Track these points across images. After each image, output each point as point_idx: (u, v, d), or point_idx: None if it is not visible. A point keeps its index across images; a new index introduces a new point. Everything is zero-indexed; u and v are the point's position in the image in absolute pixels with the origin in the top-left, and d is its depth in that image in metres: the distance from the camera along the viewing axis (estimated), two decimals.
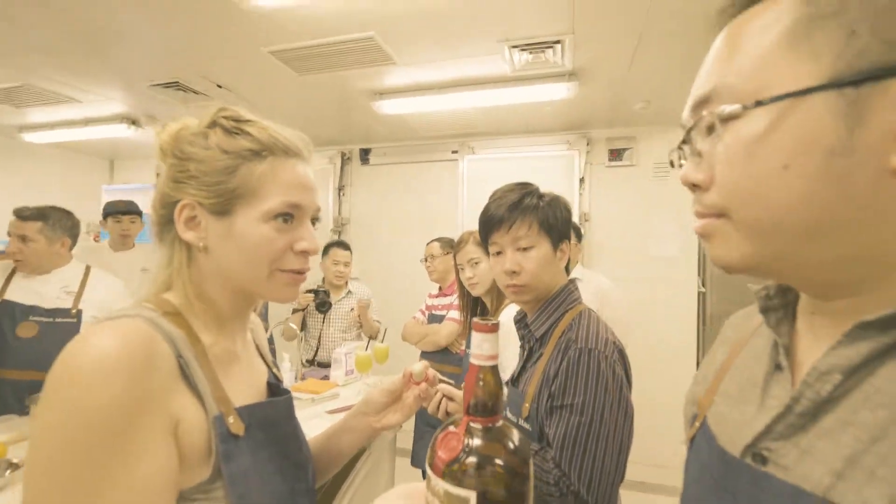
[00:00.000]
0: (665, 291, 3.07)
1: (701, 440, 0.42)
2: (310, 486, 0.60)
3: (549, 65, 2.26)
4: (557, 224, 0.91)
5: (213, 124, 0.54)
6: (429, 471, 0.37)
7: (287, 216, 0.54)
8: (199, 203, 0.52)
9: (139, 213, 2.40)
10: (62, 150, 4.04)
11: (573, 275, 2.05)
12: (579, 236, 2.33)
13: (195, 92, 2.68)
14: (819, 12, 0.29)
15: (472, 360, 0.39)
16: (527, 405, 0.88)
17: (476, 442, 0.36)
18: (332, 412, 1.71)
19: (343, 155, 3.73)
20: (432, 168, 3.56)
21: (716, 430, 0.40)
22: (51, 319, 1.68)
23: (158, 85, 2.60)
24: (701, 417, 0.44)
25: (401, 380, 0.70)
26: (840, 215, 0.30)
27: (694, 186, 0.36)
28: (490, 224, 0.93)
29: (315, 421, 1.59)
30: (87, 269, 1.85)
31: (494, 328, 0.38)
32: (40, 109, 3.05)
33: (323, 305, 2.54)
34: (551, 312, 0.91)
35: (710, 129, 0.34)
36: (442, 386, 0.97)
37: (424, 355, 2.34)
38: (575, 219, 3.05)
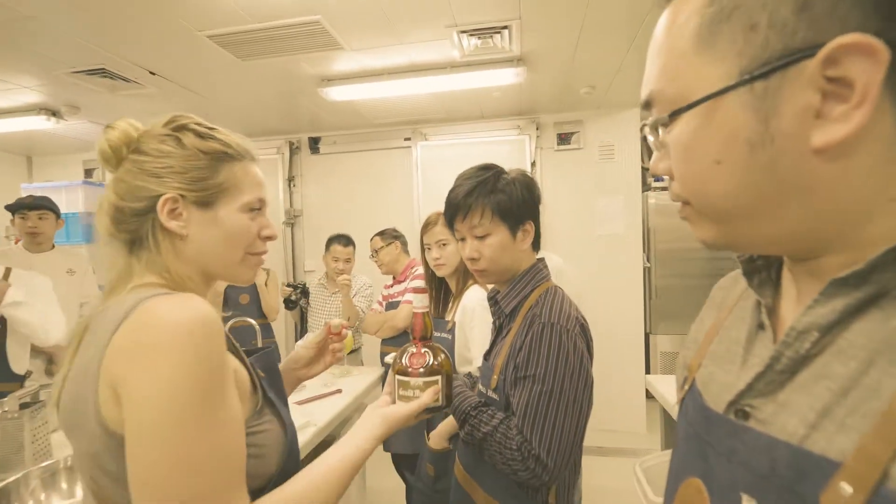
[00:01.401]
0: (613, 267, 3.25)
1: (688, 400, 0.44)
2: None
3: (498, 50, 2.30)
4: (513, 208, 0.92)
5: (182, 128, 0.61)
6: (399, 378, 0.69)
7: (257, 208, 0.65)
8: (181, 195, 0.58)
9: (51, 209, 2.13)
10: None
11: None
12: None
13: (124, 79, 2.49)
14: (720, 11, 0.31)
15: (416, 310, 0.73)
16: (495, 377, 0.92)
17: (430, 351, 0.71)
18: (300, 402, 1.69)
19: (291, 144, 3.61)
20: (385, 156, 3.53)
21: (703, 389, 0.42)
22: None
23: (81, 72, 2.38)
24: (690, 380, 0.45)
25: (323, 331, 0.87)
26: (776, 199, 0.31)
27: (663, 175, 0.39)
28: (450, 212, 0.96)
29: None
30: (7, 270, 1.70)
31: (426, 290, 0.78)
32: None
33: (288, 304, 2.51)
34: (520, 290, 0.95)
35: (659, 126, 0.36)
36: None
37: (386, 342, 2.36)
38: None
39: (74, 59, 2.26)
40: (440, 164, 3.34)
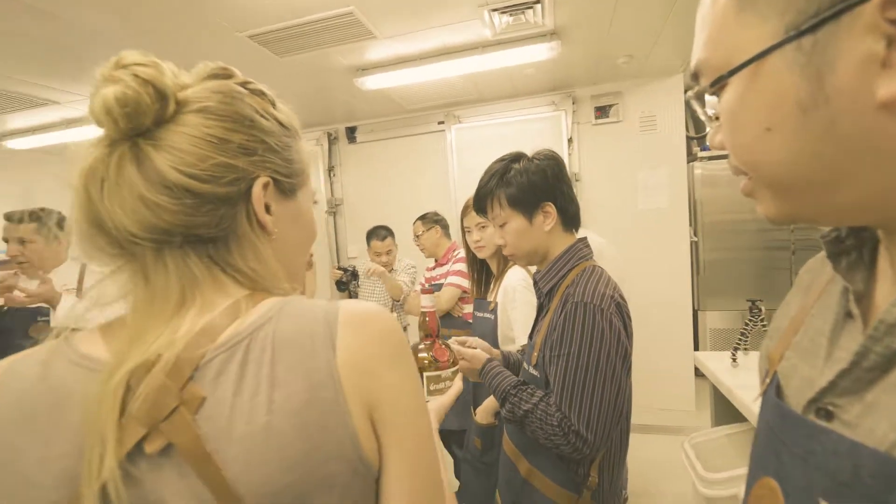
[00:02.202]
0: (658, 243, 3.15)
1: (768, 395, 0.41)
2: None
3: (530, 25, 2.25)
4: (523, 195, 0.96)
5: (247, 86, 0.45)
6: (428, 375, 0.71)
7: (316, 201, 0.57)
8: (274, 180, 0.45)
9: None
10: (47, 154, 3.98)
11: None
12: None
13: None
14: None
15: (427, 309, 0.77)
16: (535, 354, 0.96)
17: (446, 344, 0.76)
18: None
19: (329, 135, 3.71)
20: (420, 140, 3.56)
21: (784, 383, 0.39)
22: None
23: None
24: (771, 373, 0.42)
25: None
26: (841, 164, 0.28)
27: (722, 148, 0.37)
28: (475, 206, 1.05)
29: None
30: (83, 266, 1.88)
31: (431, 290, 0.92)
32: (19, 115, 2.99)
33: (340, 286, 2.63)
34: (557, 271, 0.97)
35: (707, 96, 0.35)
36: (454, 346, 1.06)
37: None
38: None
39: None
40: (475, 146, 3.33)
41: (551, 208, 0.96)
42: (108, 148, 0.38)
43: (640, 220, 3.18)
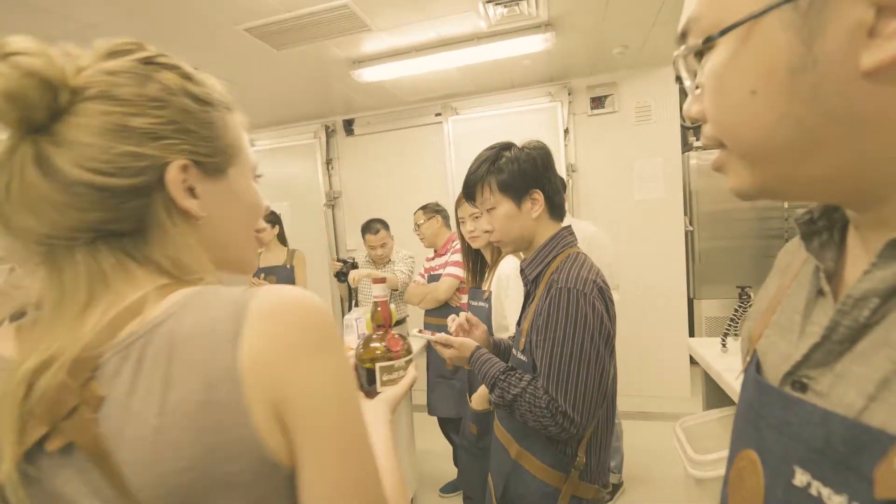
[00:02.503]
0: (654, 232, 3.18)
1: (748, 372, 0.42)
2: None
3: (525, 17, 2.26)
4: (513, 181, 0.99)
5: (151, 62, 0.41)
6: (382, 365, 0.69)
7: (258, 174, 0.53)
8: (194, 161, 0.42)
9: None
10: None
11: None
12: (563, 187, 2.34)
13: None
14: None
15: (379, 300, 0.74)
16: (523, 340, 1.00)
17: (398, 334, 0.72)
18: None
19: (327, 128, 3.72)
20: (418, 132, 3.57)
21: (762, 359, 0.40)
22: None
23: None
24: (751, 351, 0.43)
25: None
26: (820, 132, 0.28)
27: (696, 120, 0.36)
28: (465, 192, 1.07)
29: None
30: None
31: (383, 279, 0.76)
32: None
33: (339, 277, 2.66)
34: (543, 258, 1.00)
35: (695, 61, 0.34)
36: (439, 336, 1.10)
37: (429, 313, 2.47)
38: (561, 170, 3.11)
39: None
40: (472, 137, 3.35)
41: (539, 196, 0.99)
42: (10, 149, 0.36)
43: (636, 210, 3.21)
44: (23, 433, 0.34)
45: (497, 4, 2.13)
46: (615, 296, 1.09)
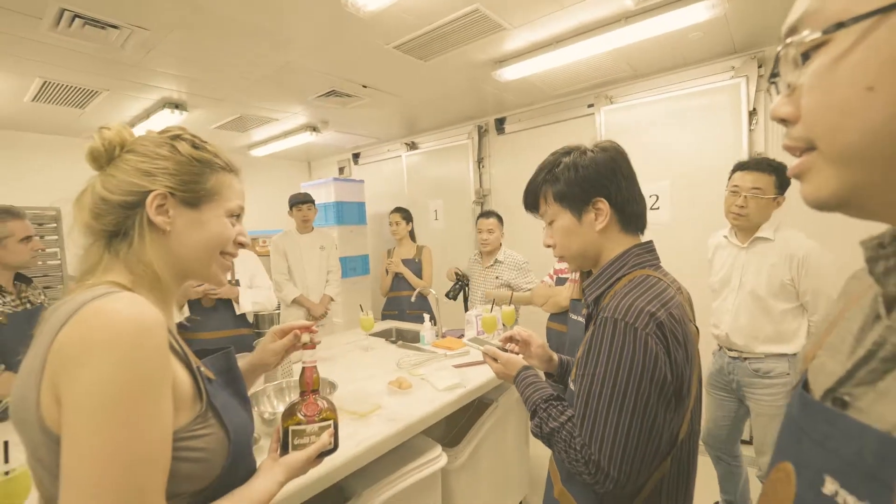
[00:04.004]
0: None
1: (796, 389, 0.42)
2: (251, 413, 0.76)
3: None
4: (571, 191, 0.86)
5: (177, 138, 0.66)
6: (294, 429, 0.72)
7: (237, 214, 0.71)
8: (171, 193, 0.63)
9: (314, 202, 3.02)
10: (276, 159, 5.24)
11: (760, 233, 1.70)
12: (782, 189, 1.68)
13: (347, 95, 3.16)
14: None
15: (305, 365, 0.77)
16: (574, 368, 0.88)
17: (321, 399, 0.75)
18: (457, 366, 1.91)
19: (479, 128, 3.86)
20: (568, 126, 3.40)
21: (811, 378, 0.40)
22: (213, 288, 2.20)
23: (321, 95, 3.15)
24: (803, 371, 0.43)
25: (290, 339, 0.93)
26: None
27: (783, 121, 0.36)
28: (526, 205, 0.99)
29: (443, 372, 1.81)
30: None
31: (313, 345, 0.83)
32: (257, 130, 4.02)
33: (450, 292, 2.84)
34: (607, 278, 0.86)
35: (797, 61, 0.34)
36: (487, 348, 1.05)
37: (552, 318, 2.36)
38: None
39: (316, 86, 3.00)
40: (629, 126, 3.01)
41: (604, 205, 0.86)
42: (92, 179, 0.64)
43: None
44: None
45: None
46: None
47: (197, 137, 0.68)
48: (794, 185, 2.53)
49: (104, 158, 0.63)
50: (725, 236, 1.86)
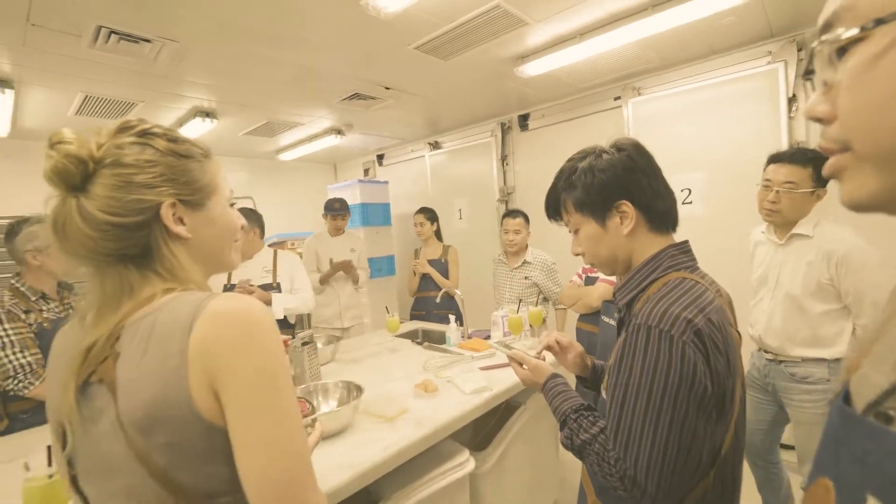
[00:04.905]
0: None
1: (836, 401, 0.41)
2: None
3: None
4: (589, 197, 0.83)
5: (146, 134, 0.59)
6: None
7: (233, 201, 0.71)
8: (179, 200, 0.60)
9: (349, 212, 3.11)
10: (303, 162, 5.33)
11: (797, 229, 1.58)
12: (822, 182, 1.54)
13: (371, 97, 3.18)
14: None
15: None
16: (606, 377, 0.84)
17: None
18: (483, 368, 1.89)
19: (503, 125, 3.81)
20: (595, 120, 3.31)
21: (854, 390, 0.39)
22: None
23: (344, 99, 3.18)
24: (845, 381, 0.41)
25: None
26: None
27: (819, 120, 0.35)
28: (549, 215, 0.95)
29: (469, 374, 1.80)
30: (275, 251, 2.48)
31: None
32: (284, 135, 4.10)
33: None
34: (638, 282, 0.82)
35: (832, 58, 0.33)
36: (514, 352, 1.02)
37: (582, 319, 2.30)
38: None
39: (340, 90, 3.03)
40: (659, 118, 2.91)
41: (628, 207, 0.81)
42: (62, 200, 0.56)
43: None
44: (79, 374, 0.55)
45: None
46: None
47: (160, 126, 0.62)
48: None
49: (78, 178, 0.55)
50: (763, 232, 1.76)
